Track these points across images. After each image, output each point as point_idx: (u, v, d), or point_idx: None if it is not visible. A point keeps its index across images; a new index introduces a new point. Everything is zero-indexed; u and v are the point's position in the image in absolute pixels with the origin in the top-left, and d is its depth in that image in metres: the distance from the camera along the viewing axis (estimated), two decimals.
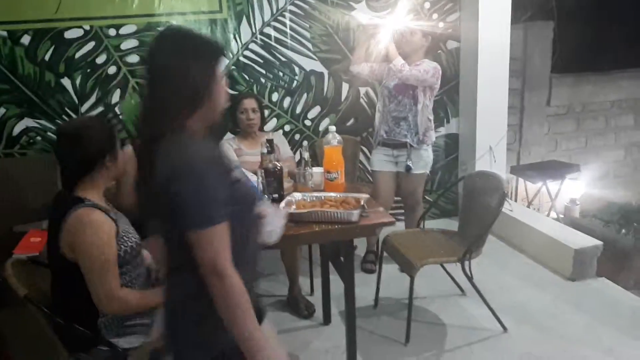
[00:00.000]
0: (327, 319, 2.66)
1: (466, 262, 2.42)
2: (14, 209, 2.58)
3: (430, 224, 2.97)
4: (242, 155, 2.82)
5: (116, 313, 1.64)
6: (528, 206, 4.35)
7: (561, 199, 4.98)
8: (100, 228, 1.57)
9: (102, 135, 1.66)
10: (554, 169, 4.31)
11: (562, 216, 4.81)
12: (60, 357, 1.70)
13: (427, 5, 3.61)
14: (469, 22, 3.63)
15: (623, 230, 4.71)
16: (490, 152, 3.68)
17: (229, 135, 3.25)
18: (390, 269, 2.92)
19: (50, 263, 1.70)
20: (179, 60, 1.13)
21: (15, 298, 2.16)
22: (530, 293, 2.87)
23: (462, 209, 2.79)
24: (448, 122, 3.89)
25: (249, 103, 2.85)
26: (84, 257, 1.54)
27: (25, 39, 3.08)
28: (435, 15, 3.65)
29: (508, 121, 5.10)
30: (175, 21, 3.24)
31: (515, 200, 4.80)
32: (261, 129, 3.07)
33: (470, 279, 2.46)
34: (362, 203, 2.01)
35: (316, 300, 2.79)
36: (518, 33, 5.15)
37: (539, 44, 5.21)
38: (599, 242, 3.01)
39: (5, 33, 3.05)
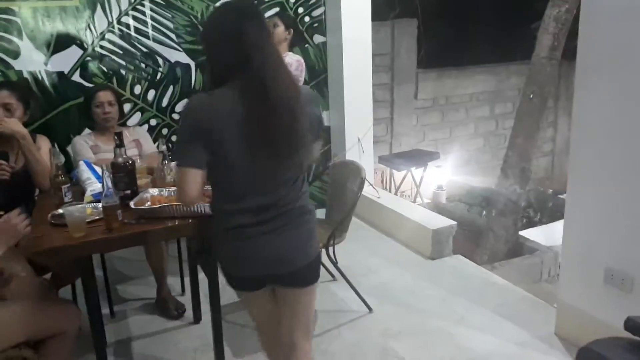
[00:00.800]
0: (197, 318, 2.61)
1: (330, 248, 2.51)
2: None
3: None
4: (99, 153, 2.65)
5: None
6: (396, 193, 4.64)
7: (429, 186, 5.38)
8: None
9: None
10: (417, 157, 4.65)
11: (429, 202, 5.20)
12: None
13: None
14: (333, 17, 3.75)
15: (484, 213, 5.23)
16: (358, 143, 3.85)
17: (86, 131, 3.05)
18: None
19: None
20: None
21: None
22: (393, 273, 3.06)
23: (328, 197, 2.89)
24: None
25: (105, 96, 2.68)
26: None
27: None
28: (300, 9, 3.73)
29: (380, 114, 5.41)
30: (18, 7, 2.95)
31: (390, 190, 5.10)
32: (123, 124, 2.93)
33: (335, 263, 2.57)
34: None
35: (187, 300, 2.73)
36: (386, 30, 5.47)
37: (405, 40, 5.57)
38: (453, 222, 3.30)
39: None
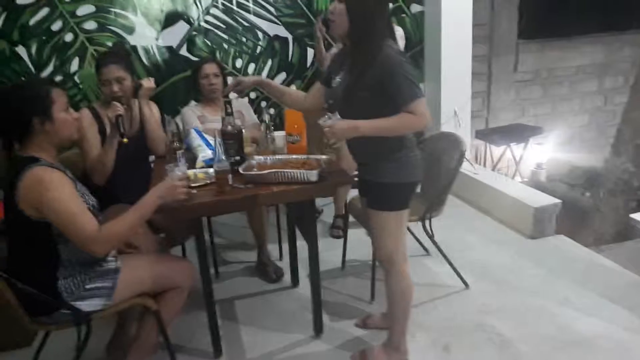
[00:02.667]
0: (295, 282, 2.72)
1: (427, 222, 2.49)
2: None
3: None
4: (206, 122, 2.80)
5: (109, 251, 1.69)
6: (493, 170, 4.46)
7: (528, 164, 5.11)
8: (61, 182, 1.58)
9: (32, 98, 1.63)
10: (518, 132, 4.42)
11: (527, 181, 4.94)
12: (22, 323, 1.71)
13: None
14: None
15: (587, 193, 4.90)
16: (455, 116, 3.74)
17: (192, 102, 3.24)
18: (359, 233, 2.98)
19: (8, 228, 1.69)
20: None
21: None
22: (491, 251, 2.97)
23: (424, 170, 2.84)
24: None
25: (210, 68, 2.82)
26: (50, 214, 1.55)
27: None
28: None
29: (476, 88, 5.19)
30: None
31: (485, 165, 4.91)
32: (225, 96, 3.06)
33: (431, 236, 2.54)
34: (322, 165, 2.04)
35: (285, 265, 2.85)
36: None
37: (506, 9, 5.25)
38: (557, 201, 3.12)
39: None
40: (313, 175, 1.93)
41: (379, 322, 2.29)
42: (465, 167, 3.58)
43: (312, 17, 3.47)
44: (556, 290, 2.52)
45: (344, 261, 2.87)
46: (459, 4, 3.60)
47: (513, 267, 2.78)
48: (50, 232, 1.61)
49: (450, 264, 2.60)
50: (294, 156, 2.18)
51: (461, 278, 2.61)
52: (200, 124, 2.79)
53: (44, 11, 3.08)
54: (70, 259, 1.68)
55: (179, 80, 3.38)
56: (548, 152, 5.42)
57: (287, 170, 1.96)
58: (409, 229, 2.91)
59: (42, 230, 1.60)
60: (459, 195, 3.69)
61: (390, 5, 3.66)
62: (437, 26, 3.64)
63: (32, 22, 3.07)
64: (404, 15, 3.73)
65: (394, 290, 1.97)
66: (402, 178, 1.83)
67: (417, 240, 2.93)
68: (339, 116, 1.75)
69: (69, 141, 1.77)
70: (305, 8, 3.49)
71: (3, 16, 3.02)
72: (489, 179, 3.58)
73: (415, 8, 3.75)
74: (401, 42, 2.92)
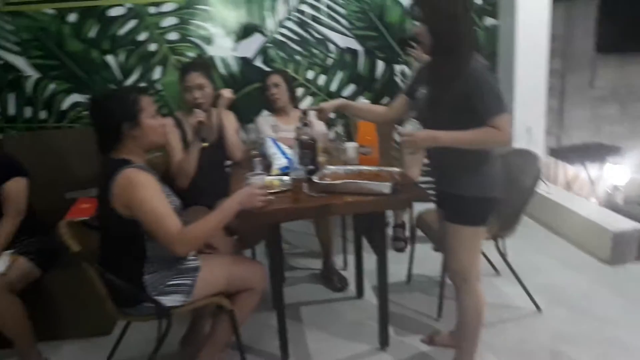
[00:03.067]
0: (359, 293, 2.72)
1: (500, 241, 2.42)
2: (64, 177, 2.74)
3: None
4: (278, 132, 2.88)
5: (190, 251, 1.79)
6: (567, 190, 4.28)
7: (603, 185, 4.86)
8: (151, 184, 1.69)
9: (121, 105, 1.74)
10: (594, 151, 4.22)
11: (603, 202, 4.70)
12: (109, 312, 1.83)
13: None
14: None
15: None
16: (528, 133, 3.62)
17: (264, 112, 3.34)
18: (424, 247, 2.95)
19: (102, 224, 1.82)
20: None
21: (64, 259, 2.32)
22: (565, 275, 2.85)
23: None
24: None
25: (272, 79, 2.95)
26: (139, 213, 1.66)
27: (72, 17, 3.22)
28: None
29: (548, 103, 5.01)
30: None
31: (556, 185, 4.72)
32: (295, 106, 3.14)
33: (504, 257, 2.48)
34: (395, 177, 2.05)
35: (349, 275, 2.87)
36: (559, 11, 5.01)
37: (581, 21, 5.05)
38: (639, 225, 2.95)
39: (53, 11, 3.20)
40: (386, 188, 1.94)
41: (447, 341, 2.25)
42: (539, 186, 3.45)
43: (383, 30, 3.49)
44: (638, 322, 2.38)
45: (409, 275, 2.84)
46: (536, 17, 3.51)
47: (589, 294, 2.64)
48: (139, 230, 1.71)
49: (523, 285, 2.52)
50: (367, 168, 2.20)
51: (533, 301, 2.51)
52: (274, 132, 2.88)
53: (132, 22, 3.29)
54: (155, 255, 1.77)
55: (253, 90, 3.49)
56: (626, 173, 5.14)
57: (361, 181, 1.98)
58: None
59: (132, 228, 1.70)
60: (531, 214, 3.57)
61: None
62: (511, 40, 3.56)
63: (121, 32, 3.29)
64: (476, 28, 3.68)
65: (466, 308, 1.94)
66: (485, 192, 1.81)
67: (487, 259, 2.84)
68: (419, 125, 1.79)
69: (156, 145, 1.88)
70: (377, 21, 3.52)
71: (97, 27, 3.26)
72: (563, 199, 3.44)
73: (488, 21, 3.69)
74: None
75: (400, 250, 3.18)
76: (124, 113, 1.73)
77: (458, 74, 1.67)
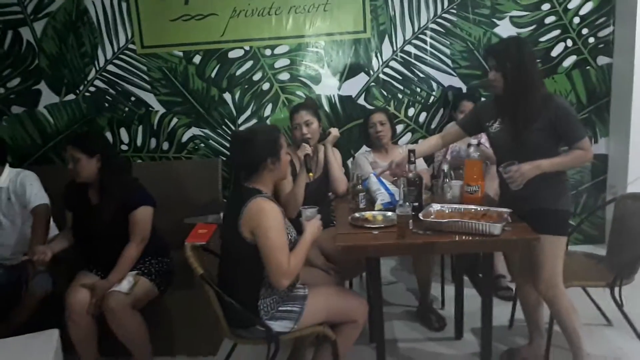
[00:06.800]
0: (458, 334, 2.65)
1: (616, 289, 2.26)
2: (182, 204, 2.98)
3: (572, 249, 2.80)
4: (377, 168, 2.94)
5: (289, 284, 1.87)
6: None
7: None
8: (278, 216, 1.83)
9: (267, 142, 1.93)
10: None
11: None
12: (223, 333, 1.95)
13: (576, 20, 3.46)
14: (623, 36, 3.39)
15: None
16: None
17: (364, 148, 3.43)
18: None
19: (224, 247, 1.97)
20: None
21: (182, 280, 2.50)
22: None
23: (612, 232, 2.60)
24: (596, 142, 3.65)
25: (377, 117, 3.06)
26: (261, 239, 1.79)
27: (197, 59, 3.56)
28: (585, 31, 3.48)
29: None
30: (323, 41, 3.52)
31: None
32: (395, 143, 3.22)
33: (620, 306, 2.30)
34: (505, 217, 2.01)
35: (446, 314, 2.80)
36: None
37: None
38: None
39: (181, 54, 3.56)
40: (497, 229, 1.91)
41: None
42: None
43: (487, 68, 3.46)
44: None
45: (512, 319, 2.72)
46: None
47: None
48: (260, 255, 1.83)
49: None
50: (473, 207, 2.17)
51: None
52: (372, 169, 2.94)
53: (249, 64, 3.56)
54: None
55: (354, 126, 3.61)
56: None
57: (470, 220, 1.97)
58: (589, 295, 2.67)
59: (255, 252, 1.82)
60: None
61: (574, 57, 3.52)
62: (628, 79, 3.36)
63: (238, 72, 3.57)
64: (588, 67, 3.53)
65: (563, 310, 2.12)
66: (568, 205, 2.15)
67: (598, 307, 2.67)
68: (516, 162, 1.99)
69: (283, 179, 2.05)
70: (482, 60, 3.51)
71: (217, 67, 3.57)
72: None
73: (602, 60, 3.53)
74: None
75: (507, 298, 2.98)
76: (270, 149, 1.92)
77: (543, 108, 1.99)
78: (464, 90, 3.56)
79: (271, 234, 1.78)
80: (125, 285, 2.31)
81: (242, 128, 3.62)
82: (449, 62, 3.55)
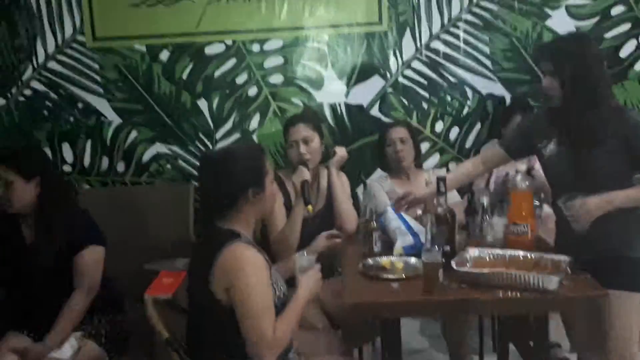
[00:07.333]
0: None
1: None
2: (142, 244, 2.98)
3: None
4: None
5: (276, 357, 1.82)
6: None
7: None
8: (258, 269, 1.78)
9: (248, 167, 1.89)
10: None
11: None
12: None
13: None
14: None
15: None
16: None
17: (379, 172, 3.42)
18: None
19: (192, 304, 1.95)
20: None
21: (140, 344, 2.49)
22: None
23: None
24: None
25: (398, 132, 3.03)
26: (238, 300, 1.75)
27: (164, 55, 3.61)
28: None
29: None
30: (327, 35, 3.57)
31: None
32: (418, 166, 3.19)
33: None
34: (563, 267, 2.00)
35: None
36: None
37: None
38: None
39: (143, 48, 3.60)
40: (552, 283, 1.90)
41: None
42: None
43: (539, 72, 3.49)
44: None
45: None
46: None
47: None
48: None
49: None
50: (522, 253, 2.16)
51: None
52: (390, 201, 2.92)
53: (231, 62, 3.60)
54: None
55: (366, 144, 3.61)
56: None
57: (518, 271, 1.96)
58: None
59: (232, 315, 1.80)
60: None
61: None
62: None
63: (217, 73, 3.61)
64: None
65: None
66: None
67: None
68: (580, 195, 1.97)
69: (267, 215, 2.02)
70: (531, 61, 3.54)
71: (190, 67, 3.60)
72: None
73: None
74: None
75: None
76: (253, 176, 1.88)
77: (614, 123, 1.98)
78: (508, 100, 3.59)
79: (251, 294, 1.73)
80: (67, 351, 2.28)
81: (219, 145, 3.64)
82: (488, 63, 3.58)
